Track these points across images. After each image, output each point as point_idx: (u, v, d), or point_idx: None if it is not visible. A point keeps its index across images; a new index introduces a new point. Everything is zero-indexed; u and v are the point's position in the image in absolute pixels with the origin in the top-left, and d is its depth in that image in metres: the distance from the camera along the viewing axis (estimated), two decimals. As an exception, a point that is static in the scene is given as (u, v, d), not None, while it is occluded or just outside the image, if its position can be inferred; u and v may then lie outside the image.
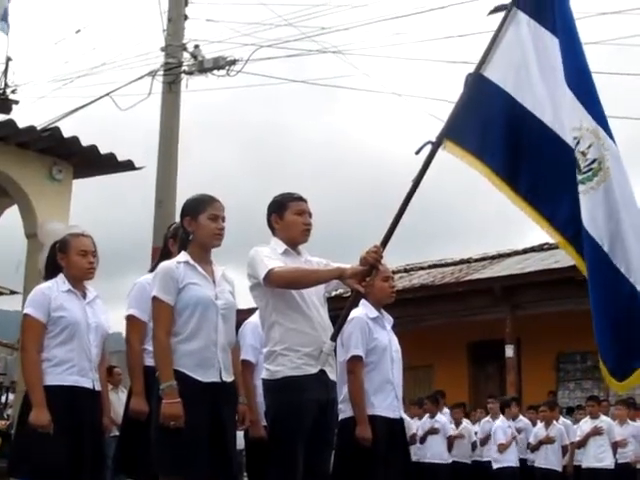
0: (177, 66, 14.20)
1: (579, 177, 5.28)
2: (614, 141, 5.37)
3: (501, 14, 5.70)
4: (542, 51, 5.55)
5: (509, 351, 16.97)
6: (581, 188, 5.27)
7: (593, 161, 5.28)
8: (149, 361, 5.44)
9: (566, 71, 5.42)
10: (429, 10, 15.09)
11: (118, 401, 9.78)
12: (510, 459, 12.97)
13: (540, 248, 19.32)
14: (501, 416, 13.45)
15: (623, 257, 5.21)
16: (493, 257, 20.86)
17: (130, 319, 5.86)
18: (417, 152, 5.49)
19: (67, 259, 5.43)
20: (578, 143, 5.32)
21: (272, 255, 5.11)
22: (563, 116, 5.42)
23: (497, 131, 5.57)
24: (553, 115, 5.47)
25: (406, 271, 21.90)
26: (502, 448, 12.97)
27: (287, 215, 5.28)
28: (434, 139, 5.49)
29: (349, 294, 5.34)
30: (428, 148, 5.48)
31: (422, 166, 5.46)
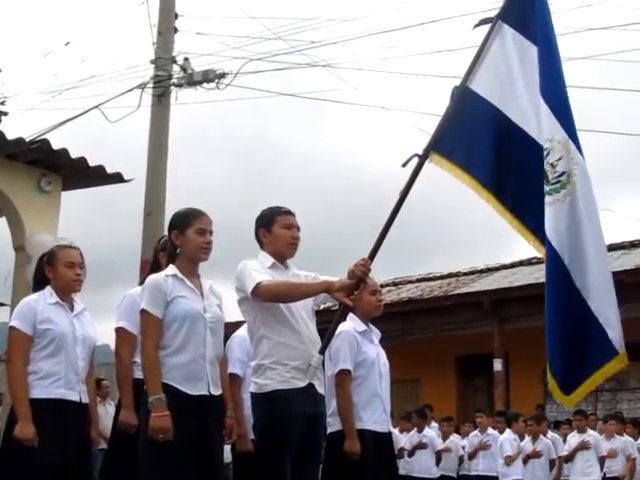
0: (167, 79, 14.21)
1: (547, 188, 5.31)
2: (582, 155, 5.41)
3: (487, 27, 5.73)
4: (527, 63, 5.59)
5: (497, 365, 16.99)
6: (548, 199, 5.30)
7: (562, 174, 5.31)
8: (138, 374, 5.44)
9: (541, 82, 5.46)
10: (419, 24, 15.11)
11: (106, 414, 9.77)
12: (516, 472, 12.82)
13: (529, 262, 19.36)
14: (507, 429, 13.31)
15: (580, 273, 5.25)
16: (481, 271, 20.89)
17: (120, 332, 5.86)
18: (404, 165, 5.51)
19: (54, 271, 5.42)
20: (548, 154, 5.36)
21: (260, 269, 5.11)
22: (542, 128, 5.46)
23: (484, 143, 5.59)
24: (538, 127, 5.50)
25: (395, 285, 21.92)
26: (509, 460, 12.83)
27: (275, 229, 5.29)
28: (421, 152, 5.51)
29: (337, 307, 5.35)
30: (415, 161, 5.50)
31: (409, 179, 5.47)
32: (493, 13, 5.78)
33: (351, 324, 6.01)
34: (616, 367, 5.27)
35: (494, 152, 5.56)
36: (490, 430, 13.75)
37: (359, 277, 5.03)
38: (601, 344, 5.23)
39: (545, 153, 5.36)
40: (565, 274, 5.24)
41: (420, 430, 13.87)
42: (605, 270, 5.41)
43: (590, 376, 5.27)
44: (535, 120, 5.50)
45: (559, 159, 5.33)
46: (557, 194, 5.29)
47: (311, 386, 5.09)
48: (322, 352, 5.17)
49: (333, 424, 5.85)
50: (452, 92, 5.65)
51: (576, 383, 5.28)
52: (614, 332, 5.24)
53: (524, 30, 5.64)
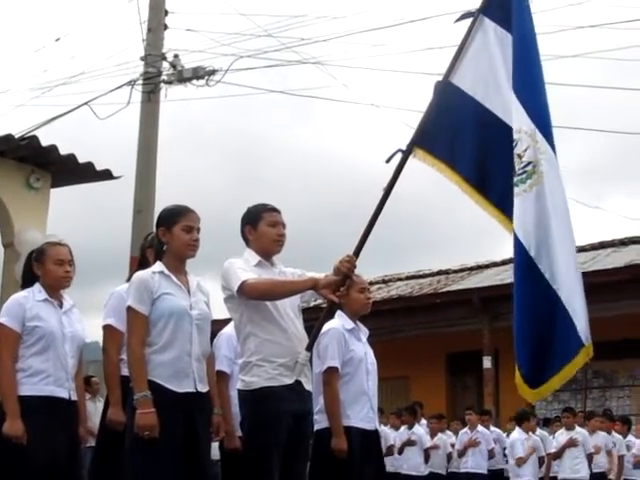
0: (156, 75, 14.19)
1: (514, 179, 5.33)
2: (553, 147, 5.42)
3: (468, 21, 5.73)
4: (508, 57, 5.59)
5: (487, 362, 16.99)
6: (515, 190, 5.33)
7: (528, 164, 5.33)
8: (126, 371, 5.43)
9: (513, 73, 5.47)
10: (409, 22, 15.11)
11: (96, 411, 9.74)
12: (528, 473, 12.65)
13: (518, 260, 19.34)
14: (517, 429, 13.12)
15: (548, 263, 5.25)
16: (471, 268, 20.90)
17: (107, 329, 5.84)
18: (387, 160, 5.52)
19: (43, 268, 5.42)
20: (516, 145, 5.37)
21: (245, 267, 5.12)
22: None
23: (467, 138, 5.60)
24: None
25: (384, 282, 21.93)
26: (520, 462, 12.67)
27: (261, 226, 5.29)
28: (404, 147, 5.52)
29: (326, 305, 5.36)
30: (399, 156, 5.51)
31: (393, 174, 5.48)
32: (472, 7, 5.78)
33: (339, 322, 6.01)
34: (582, 361, 5.26)
35: (477, 146, 5.58)
36: (480, 427, 13.80)
37: (344, 273, 5.05)
38: (569, 337, 5.23)
39: (514, 144, 5.38)
40: (532, 265, 5.25)
41: (410, 427, 13.90)
42: (572, 260, 5.42)
43: (559, 371, 5.27)
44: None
45: (525, 149, 5.35)
46: (523, 184, 5.31)
47: (298, 383, 5.09)
48: (309, 349, 5.19)
49: (320, 421, 5.85)
50: (435, 87, 5.66)
51: (545, 377, 5.28)
52: (581, 324, 5.23)
53: (505, 23, 5.65)
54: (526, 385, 5.29)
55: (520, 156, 5.35)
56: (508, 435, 13.66)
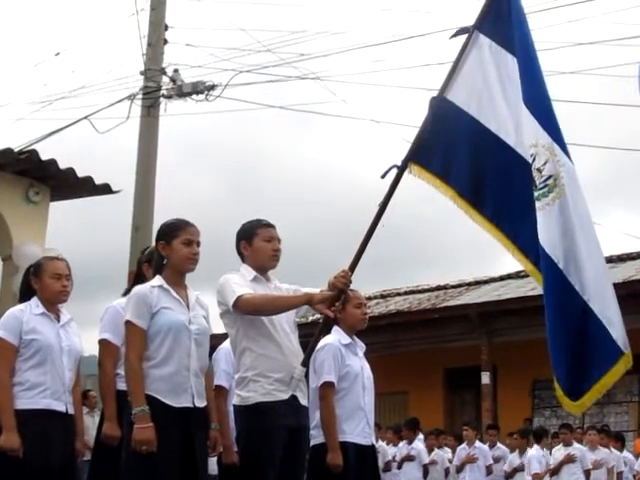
0: (156, 90, 14.23)
1: (535, 193, 5.33)
2: (570, 159, 5.42)
3: (464, 37, 5.76)
4: (504, 73, 5.61)
5: (485, 378, 16.98)
6: (537, 205, 5.32)
7: (549, 177, 5.33)
8: (122, 385, 5.43)
9: (523, 89, 5.48)
10: (408, 38, 15.13)
11: (93, 424, 9.73)
12: None
13: (517, 275, 19.36)
14: (535, 445, 13.12)
15: (577, 275, 5.24)
16: (469, 284, 20.89)
17: (103, 343, 5.84)
18: (383, 176, 5.54)
19: (40, 282, 5.43)
20: (534, 160, 5.37)
21: (241, 282, 5.13)
22: (524, 135, 5.48)
23: (461, 153, 5.62)
24: (516, 136, 5.52)
25: (382, 297, 21.93)
26: (537, 478, 12.66)
27: (256, 242, 5.31)
28: (399, 163, 5.54)
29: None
30: (394, 172, 5.53)
31: (388, 190, 5.50)
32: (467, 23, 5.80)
33: (336, 337, 6.02)
34: (623, 369, 5.23)
35: (472, 161, 5.59)
36: (477, 443, 13.77)
37: (340, 288, 5.07)
38: (606, 346, 5.20)
39: (531, 159, 5.38)
40: (562, 278, 5.23)
41: (409, 443, 13.89)
42: (602, 269, 5.43)
43: (599, 381, 5.24)
44: (513, 129, 5.52)
45: (545, 163, 5.34)
46: (545, 198, 5.30)
47: (294, 398, 5.10)
48: (305, 364, 5.19)
49: (316, 436, 5.83)
50: (430, 103, 5.67)
51: (584, 389, 5.24)
52: (617, 332, 5.21)
53: (500, 39, 5.67)
54: (567, 398, 5.26)
55: (540, 170, 5.33)
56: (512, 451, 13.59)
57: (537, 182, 5.34)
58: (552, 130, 5.43)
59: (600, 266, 5.41)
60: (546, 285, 5.32)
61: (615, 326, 5.22)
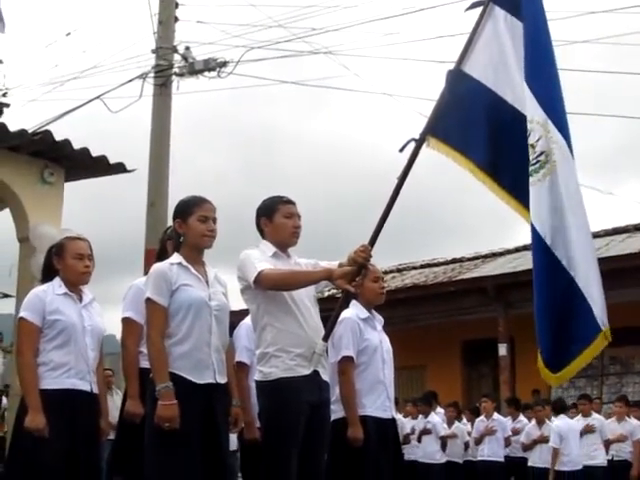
0: (168, 68, 14.19)
1: (529, 169, 5.35)
2: (566, 136, 5.43)
3: (479, 10, 5.75)
4: (519, 45, 5.61)
5: (502, 350, 16.97)
6: (530, 180, 5.36)
7: (541, 153, 5.36)
8: (144, 363, 5.45)
9: (525, 62, 5.49)
10: (420, 10, 15.05)
11: (112, 404, 9.79)
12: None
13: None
14: (554, 418, 12.90)
15: (564, 250, 5.30)
16: (485, 256, 20.87)
17: (126, 322, 5.87)
18: (401, 150, 5.53)
19: (63, 263, 5.44)
20: (529, 135, 5.40)
21: (261, 258, 5.13)
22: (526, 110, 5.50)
23: (479, 125, 5.62)
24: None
25: (399, 271, 21.93)
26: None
27: (276, 218, 5.31)
28: (417, 136, 5.52)
29: (341, 294, 5.37)
30: (412, 145, 5.52)
31: (406, 164, 5.49)
32: None
33: (354, 311, 6.03)
34: (601, 345, 5.31)
35: (489, 133, 5.60)
36: (496, 415, 13.75)
37: (360, 263, 5.05)
38: (587, 322, 5.29)
39: (527, 134, 5.41)
40: (549, 253, 5.30)
41: (426, 416, 13.93)
42: (589, 247, 5.47)
43: (578, 356, 5.32)
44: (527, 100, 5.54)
45: (538, 139, 5.39)
46: (537, 174, 5.36)
47: (316, 373, 5.11)
48: (326, 339, 5.20)
49: (336, 411, 5.83)
50: (446, 76, 5.67)
51: (564, 363, 5.33)
52: (598, 309, 5.28)
53: (515, 11, 5.67)
54: (547, 369, 5.32)
55: (533, 146, 5.38)
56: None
57: (530, 158, 5.38)
58: (549, 106, 5.44)
59: (587, 244, 5.46)
60: (534, 259, 5.39)
61: (596, 303, 5.29)
